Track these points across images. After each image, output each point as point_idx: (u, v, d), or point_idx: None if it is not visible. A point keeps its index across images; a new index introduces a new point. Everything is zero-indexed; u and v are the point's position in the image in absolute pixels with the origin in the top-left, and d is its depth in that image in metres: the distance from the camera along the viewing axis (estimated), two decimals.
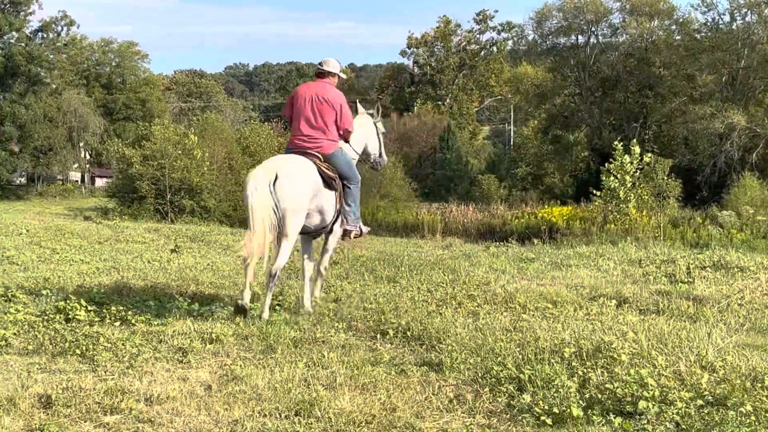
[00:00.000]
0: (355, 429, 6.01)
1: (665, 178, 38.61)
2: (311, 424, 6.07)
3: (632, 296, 11.53)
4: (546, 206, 43.08)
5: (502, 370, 7.23)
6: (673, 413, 6.18)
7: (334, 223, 10.91)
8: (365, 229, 11.45)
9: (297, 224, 10.08)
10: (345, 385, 6.92)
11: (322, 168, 10.35)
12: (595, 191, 35.51)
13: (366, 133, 11.71)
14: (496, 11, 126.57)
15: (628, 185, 34.22)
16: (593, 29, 55.34)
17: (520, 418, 6.32)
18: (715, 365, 7.25)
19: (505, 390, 6.86)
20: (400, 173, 45.48)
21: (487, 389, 6.91)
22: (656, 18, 51.58)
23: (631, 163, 33.92)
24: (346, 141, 11.10)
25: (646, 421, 6.06)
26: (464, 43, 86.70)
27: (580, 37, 56.31)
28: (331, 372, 7.32)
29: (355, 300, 11.02)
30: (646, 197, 36.11)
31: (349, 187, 10.76)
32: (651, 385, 6.62)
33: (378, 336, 9.02)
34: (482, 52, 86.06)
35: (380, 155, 12.07)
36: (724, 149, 43.94)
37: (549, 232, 33.14)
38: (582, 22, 54.56)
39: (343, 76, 11.78)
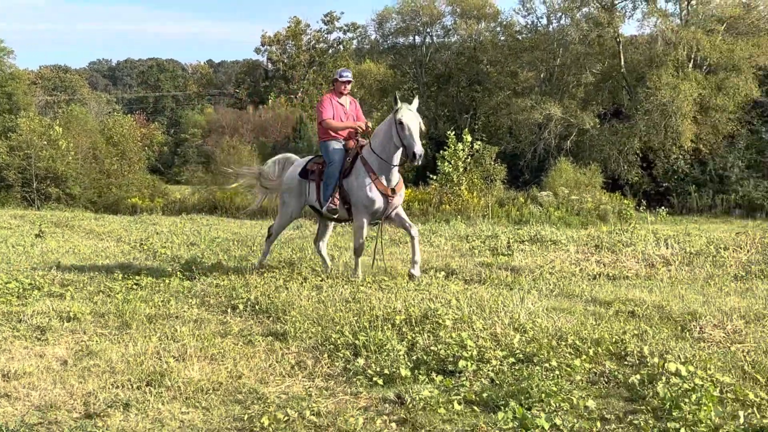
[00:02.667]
0: (202, 396, 5.98)
1: (492, 163, 39.33)
2: (161, 393, 6.00)
3: (459, 268, 11.78)
4: None
5: (339, 338, 7.31)
6: (488, 370, 6.36)
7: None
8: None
9: None
10: (195, 356, 6.87)
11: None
12: (431, 175, 36.07)
13: (384, 130, 10.85)
14: (342, 13, 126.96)
15: (461, 170, 34.87)
16: (428, 30, 55.96)
17: (354, 379, 6.39)
18: (527, 327, 7.47)
19: (342, 355, 6.94)
20: (256, 160, 44.91)
21: (326, 355, 6.97)
22: (483, 20, 52.53)
23: (463, 150, 34.60)
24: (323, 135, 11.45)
25: (464, 378, 6.20)
26: (313, 42, 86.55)
27: (417, 37, 56.85)
28: (182, 344, 7.24)
29: (209, 277, 10.90)
30: (477, 180, 36.78)
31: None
32: (470, 346, 6.79)
33: (229, 310, 8.97)
34: (330, 50, 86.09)
35: (405, 146, 10.45)
36: (543, 137, 45.16)
37: None
38: (418, 23, 55.10)
39: (338, 78, 11.65)
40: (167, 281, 10.82)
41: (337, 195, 11.05)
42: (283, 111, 70.39)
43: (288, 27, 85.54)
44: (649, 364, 6.39)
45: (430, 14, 53.64)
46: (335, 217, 11.50)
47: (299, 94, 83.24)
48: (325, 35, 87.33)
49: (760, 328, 7.78)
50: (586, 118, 43.71)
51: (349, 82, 11.61)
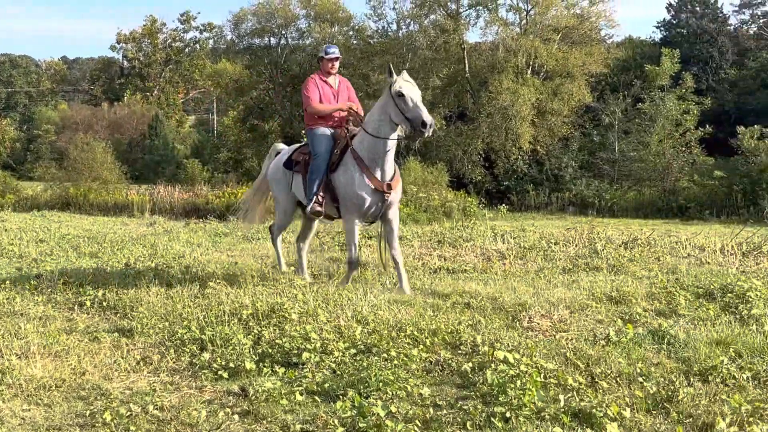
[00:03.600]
0: (45, 393, 5.81)
1: None
2: (2, 391, 5.79)
3: (309, 263, 11.77)
4: (245, 187, 43.02)
5: (186, 333, 7.22)
6: (330, 361, 6.42)
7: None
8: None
9: None
10: (38, 353, 6.64)
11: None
12: None
13: (378, 110, 9.33)
14: (199, 13, 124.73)
15: None
16: (284, 32, 55.67)
17: (200, 373, 6.35)
18: (369, 319, 7.56)
19: (188, 350, 6.87)
20: (110, 157, 43.64)
21: (172, 350, 6.87)
22: (336, 24, 52.69)
23: None
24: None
25: (307, 370, 6.24)
26: (170, 41, 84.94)
27: (272, 38, 56.47)
28: (25, 342, 6.98)
29: (56, 274, 10.55)
30: None
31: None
32: (314, 338, 6.83)
33: (76, 307, 8.73)
34: (186, 49, 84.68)
35: (410, 118, 8.77)
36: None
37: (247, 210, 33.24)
38: (274, 25, 54.76)
39: (324, 55, 10.21)
40: (13, 278, 10.42)
41: (321, 194, 9.57)
42: (139, 108, 68.86)
43: (144, 25, 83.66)
44: (480, 353, 6.57)
45: (285, 17, 53.43)
46: (320, 218, 10.31)
47: (155, 91, 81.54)
48: (182, 34, 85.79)
49: (583, 317, 8.13)
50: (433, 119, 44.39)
51: (337, 58, 10.21)
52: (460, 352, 6.79)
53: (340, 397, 5.58)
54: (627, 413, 5.21)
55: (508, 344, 6.77)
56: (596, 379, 5.93)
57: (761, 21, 59.11)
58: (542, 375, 5.94)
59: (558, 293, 9.13)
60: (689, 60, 48.52)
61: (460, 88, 47.62)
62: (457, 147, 43.90)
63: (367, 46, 51.11)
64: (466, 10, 47.64)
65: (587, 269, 11.13)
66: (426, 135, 8.83)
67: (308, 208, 9.67)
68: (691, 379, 5.92)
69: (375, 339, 6.87)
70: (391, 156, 9.34)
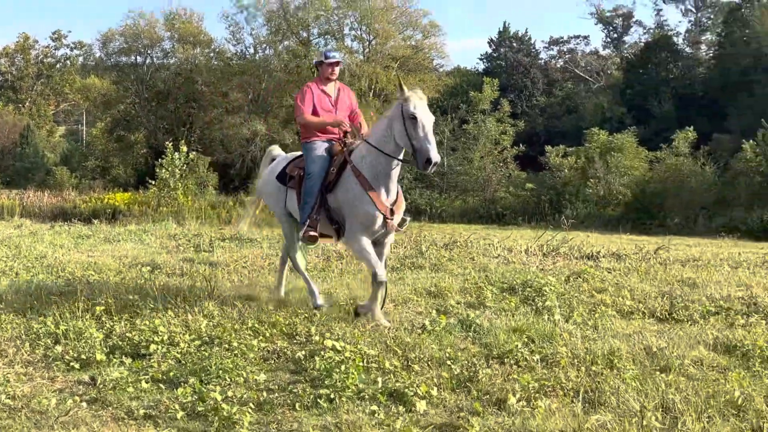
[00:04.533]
0: None
1: (206, 171, 39.02)
2: None
3: (164, 263, 11.51)
4: (111, 192, 41.78)
5: (42, 327, 6.93)
6: (176, 352, 6.29)
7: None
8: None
9: None
10: None
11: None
12: (151, 181, 35.25)
13: (383, 127, 7.50)
14: (69, 31, 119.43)
15: (177, 176, 34.42)
16: (149, 52, 54.19)
17: (53, 365, 6.10)
18: (214, 313, 7.48)
19: (43, 343, 6.59)
20: None
21: (27, 344, 6.55)
22: (198, 46, 51.72)
23: (180, 159, 34.27)
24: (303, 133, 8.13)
25: (154, 360, 6.10)
26: (42, 57, 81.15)
27: (138, 57, 54.84)
28: None
29: None
30: (191, 186, 36.41)
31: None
32: (162, 331, 6.70)
33: None
34: (57, 65, 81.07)
35: (416, 148, 7.02)
36: (250, 150, 45.19)
37: (113, 214, 32.34)
38: (140, 45, 53.20)
39: (324, 60, 8.24)
40: None
41: (315, 216, 7.65)
42: (11, 119, 65.44)
43: (17, 42, 79.65)
44: (313, 342, 6.61)
45: (151, 38, 52.02)
46: (314, 244, 8.24)
47: (27, 103, 77.78)
48: (53, 51, 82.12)
49: (405, 309, 8.30)
50: (286, 134, 44.25)
51: (337, 63, 8.22)
52: (295, 341, 6.79)
53: (183, 384, 5.49)
54: (435, 392, 5.35)
55: (337, 334, 6.82)
56: (411, 363, 6.06)
57: (567, 56, 61.79)
58: (364, 360, 6.03)
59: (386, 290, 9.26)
60: (507, 88, 50.17)
61: None
62: None
63: (226, 67, 50.41)
64: (316, 38, 47.85)
65: (412, 267, 11.34)
66: (427, 172, 7.16)
67: (301, 233, 7.73)
68: (490, 362, 6.13)
69: (219, 331, 6.80)
70: (396, 175, 7.53)
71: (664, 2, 58.84)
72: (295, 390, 5.45)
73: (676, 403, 4.96)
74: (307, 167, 7.83)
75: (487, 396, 5.35)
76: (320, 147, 7.91)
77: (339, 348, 6.14)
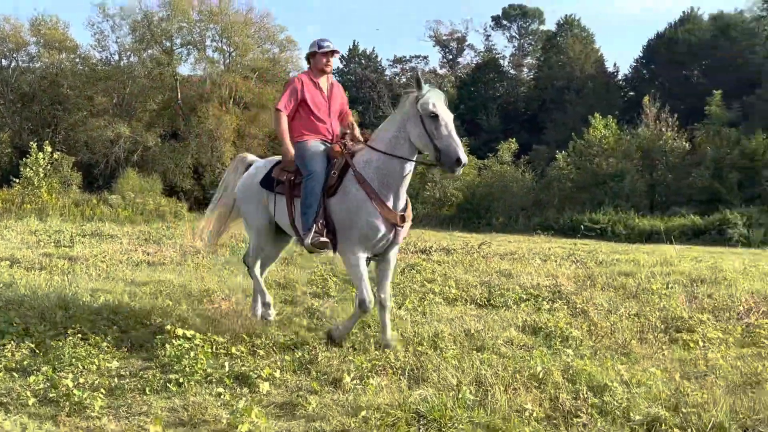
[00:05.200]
0: None
1: (70, 170, 37.17)
2: None
3: (23, 258, 10.90)
4: None
5: None
6: (30, 342, 5.96)
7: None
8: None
9: None
10: None
11: None
12: (15, 179, 33.29)
13: (395, 127, 6.17)
14: None
15: (41, 175, 32.67)
16: (14, 55, 50.89)
17: None
18: (70, 305, 7.17)
19: None
20: None
21: None
22: (64, 52, 49.02)
23: (44, 158, 32.59)
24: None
25: (8, 350, 5.74)
26: None
27: (3, 60, 51.37)
28: None
29: None
30: (56, 184, 34.61)
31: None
32: (17, 322, 6.38)
33: None
34: None
35: (440, 149, 5.81)
36: (114, 151, 43.33)
37: None
38: (5, 49, 49.89)
39: (318, 49, 6.65)
40: None
41: (321, 221, 6.23)
42: None
43: None
44: (166, 330, 6.44)
45: (16, 42, 48.79)
46: (322, 251, 6.50)
47: None
48: None
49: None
50: (149, 137, 42.75)
51: (333, 53, 6.68)
52: (149, 330, 6.61)
53: (35, 372, 5.21)
54: (278, 374, 5.35)
55: (190, 323, 6.70)
56: (257, 349, 6.04)
57: (409, 73, 62.89)
58: (213, 347, 5.95)
59: (237, 281, 9.16)
60: (356, 100, 50.57)
61: (173, 112, 46.16)
62: (170, 161, 42.66)
63: (92, 72, 48.00)
64: (179, 48, 46.38)
65: None
66: (456, 174, 6.02)
67: (307, 241, 6.24)
68: (329, 345, 6.18)
69: (74, 321, 6.52)
70: (407, 181, 6.26)
71: (492, 29, 61.09)
72: (145, 376, 5.30)
73: (488, 377, 5.17)
74: (305, 166, 6.37)
75: (326, 376, 5.39)
76: (318, 145, 6.53)
77: (189, 336, 6.02)
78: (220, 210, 7.85)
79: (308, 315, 7.45)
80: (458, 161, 5.73)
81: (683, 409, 4.56)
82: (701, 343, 6.50)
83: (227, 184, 7.74)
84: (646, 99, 36.87)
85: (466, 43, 62.86)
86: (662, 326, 7.15)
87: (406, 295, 8.62)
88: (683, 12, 48.12)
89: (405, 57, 62.67)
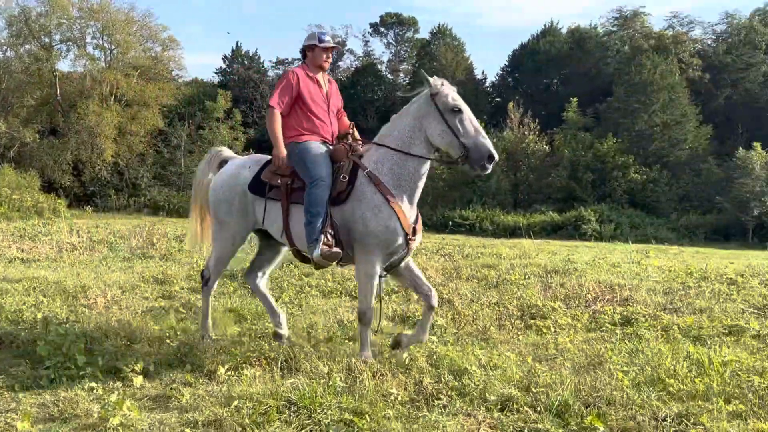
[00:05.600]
0: None
1: None
2: None
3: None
4: None
5: None
6: None
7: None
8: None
9: None
10: None
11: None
12: None
13: (415, 118, 5.48)
14: None
15: None
16: None
17: None
18: None
19: None
20: None
21: None
22: None
23: None
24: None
25: None
26: None
27: None
28: None
29: None
30: None
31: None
32: None
33: None
34: None
35: (468, 146, 5.19)
36: None
37: None
38: None
39: (318, 43, 5.87)
40: None
41: (330, 230, 5.38)
42: None
43: None
44: (38, 326, 6.15)
45: None
46: (332, 263, 5.60)
47: None
48: None
49: (133, 295, 7.97)
50: (27, 133, 40.44)
51: (334, 48, 5.95)
52: (21, 327, 6.28)
53: None
54: (152, 367, 5.21)
55: (64, 318, 6.42)
56: (131, 343, 5.86)
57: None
58: (88, 342, 5.72)
59: (114, 277, 8.85)
60: (239, 100, 49.62)
61: (53, 108, 43.91)
62: (49, 157, 40.54)
63: None
64: (58, 44, 44.09)
65: (143, 258, 10.91)
66: (486, 171, 5.28)
67: (315, 253, 5.35)
68: (206, 339, 6.07)
69: None
70: (421, 187, 5.57)
71: (370, 35, 61.57)
72: (14, 372, 5.04)
73: (357, 365, 5.23)
74: (309, 171, 5.48)
75: (200, 368, 5.29)
76: (320, 147, 5.66)
77: (62, 332, 5.77)
78: (195, 211, 6.66)
79: (186, 309, 7.28)
80: (491, 157, 5.14)
81: (534, 389, 4.77)
82: (552, 329, 6.81)
83: (200, 181, 6.57)
84: (510, 105, 38.25)
85: (346, 48, 63.09)
86: (519, 313, 7.44)
87: (284, 288, 8.58)
88: (544, 25, 50.18)
89: (287, 59, 62.16)
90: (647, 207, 38.29)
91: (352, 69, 58.53)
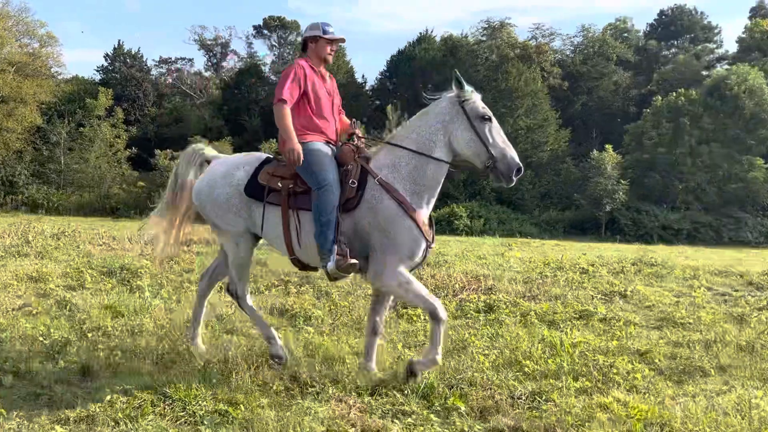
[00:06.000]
0: None
1: None
2: None
3: None
4: None
5: None
6: None
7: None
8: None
9: None
10: None
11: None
12: None
13: (439, 122, 4.96)
14: None
15: None
16: None
17: None
18: None
19: None
20: None
21: None
22: None
23: None
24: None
25: None
26: None
27: None
28: None
29: None
30: None
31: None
32: None
33: None
34: None
35: (496, 157, 4.80)
36: None
37: None
38: None
39: (322, 34, 5.21)
40: None
41: (343, 240, 4.77)
42: None
43: None
44: None
45: None
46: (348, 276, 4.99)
47: None
48: None
49: (5, 294, 7.48)
50: None
51: (339, 41, 5.25)
52: None
53: None
54: (23, 366, 4.93)
55: None
56: (2, 342, 5.51)
57: (174, 74, 60.39)
58: None
59: None
60: (121, 98, 47.51)
61: None
62: None
63: None
64: None
65: (17, 255, 10.27)
66: (512, 184, 4.87)
67: (330, 266, 4.76)
68: (82, 335, 5.81)
69: None
70: (437, 194, 5.10)
71: (254, 37, 60.58)
72: None
73: (237, 356, 5.16)
74: (317, 174, 4.84)
75: (75, 365, 5.05)
76: (325, 148, 5.04)
77: None
78: (171, 214, 5.69)
79: (60, 307, 6.92)
80: (519, 170, 4.77)
81: (402, 374, 4.87)
82: (422, 317, 6.96)
83: (181, 182, 5.65)
84: (389, 108, 38.57)
85: (230, 49, 61.80)
86: (392, 303, 7.55)
87: (163, 285, 8.32)
88: (420, 33, 50.99)
89: (170, 58, 60.26)
90: (513, 204, 39.83)
91: (236, 69, 57.44)
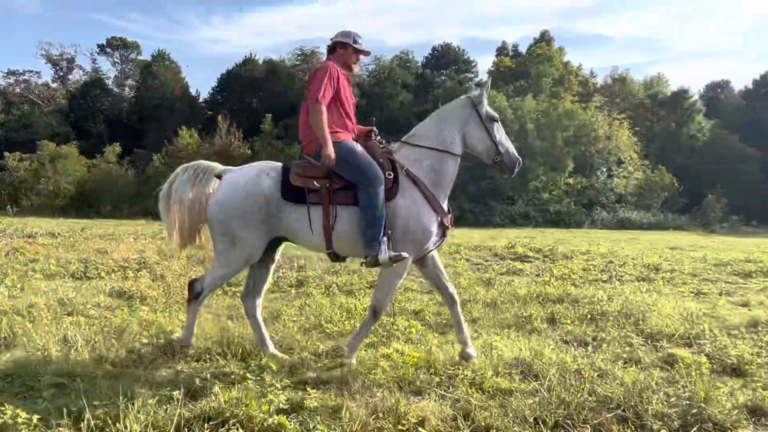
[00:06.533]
0: None
1: None
2: None
3: None
4: None
5: None
6: None
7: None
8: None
9: None
10: None
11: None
12: None
13: (457, 120, 4.55)
14: None
15: None
16: None
17: None
18: None
19: None
20: None
21: None
22: None
23: None
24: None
25: None
26: None
27: None
28: None
29: None
30: None
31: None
32: None
33: None
34: None
35: (498, 151, 4.55)
36: None
37: None
38: None
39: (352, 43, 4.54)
40: None
41: (389, 231, 4.25)
42: None
43: None
44: None
45: None
46: (394, 264, 4.29)
47: None
48: None
49: None
50: None
51: (366, 53, 4.71)
52: None
53: None
54: None
55: None
56: None
57: (23, 85, 53.47)
58: None
59: None
60: None
61: None
62: None
63: None
64: None
65: None
66: (513, 175, 4.70)
67: (383, 257, 4.20)
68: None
69: None
70: (452, 184, 4.68)
71: (98, 54, 55.52)
72: None
73: (78, 337, 4.74)
74: (365, 172, 4.29)
75: None
76: (358, 145, 4.50)
77: None
78: (184, 230, 4.60)
79: None
80: (519, 163, 4.67)
81: (225, 342, 4.74)
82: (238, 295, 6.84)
83: (191, 200, 4.55)
84: (220, 118, 37.42)
85: (76, 63, 56.21)
86: (219, 283, 7.33)
87: (8, 274, 7.43)
88: (245, 56, 49.62)
89: (18, 70, 53.65)
90: None
91: (82, 82, 52.39)
